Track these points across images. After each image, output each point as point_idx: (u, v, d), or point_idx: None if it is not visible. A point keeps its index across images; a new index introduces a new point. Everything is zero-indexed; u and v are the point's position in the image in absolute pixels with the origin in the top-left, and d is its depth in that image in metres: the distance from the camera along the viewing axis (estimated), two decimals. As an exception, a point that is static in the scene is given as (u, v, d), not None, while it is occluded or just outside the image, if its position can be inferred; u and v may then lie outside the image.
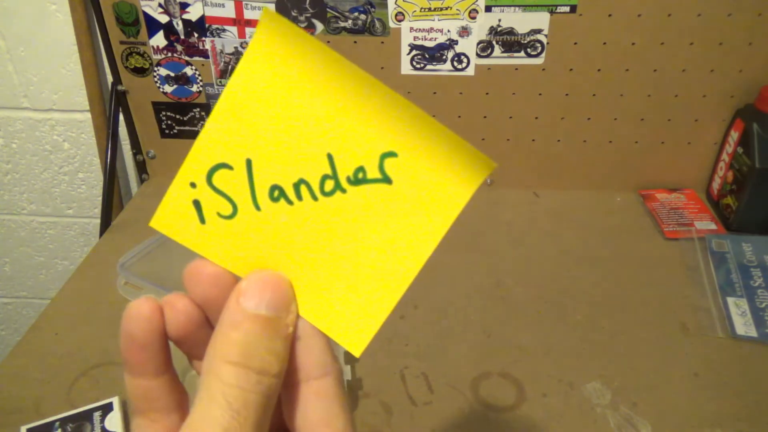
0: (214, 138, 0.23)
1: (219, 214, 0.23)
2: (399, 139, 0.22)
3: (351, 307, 0.24)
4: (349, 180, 0.23)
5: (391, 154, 0.22)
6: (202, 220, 0.23)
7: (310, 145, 0.22)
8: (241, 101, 0.22)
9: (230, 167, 0.23)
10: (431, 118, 0.22)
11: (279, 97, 0.22)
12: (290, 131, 0.22)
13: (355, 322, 0.24)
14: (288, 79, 0.22)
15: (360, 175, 0.23)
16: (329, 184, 0.23)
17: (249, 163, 0.23)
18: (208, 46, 0.89)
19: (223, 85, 0.92)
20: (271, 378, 0.21)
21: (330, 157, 0.22)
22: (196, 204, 0.23)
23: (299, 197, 0.23)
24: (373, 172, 0.23)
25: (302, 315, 0.23)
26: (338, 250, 0.23)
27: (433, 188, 0.23)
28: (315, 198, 0.23)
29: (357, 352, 0.24)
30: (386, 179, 0.23)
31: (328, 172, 0.23)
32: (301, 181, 0.23)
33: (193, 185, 0.23)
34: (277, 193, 0.23)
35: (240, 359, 0.20)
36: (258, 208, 0.23)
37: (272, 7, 0.84)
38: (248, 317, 0.21)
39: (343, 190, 0.23)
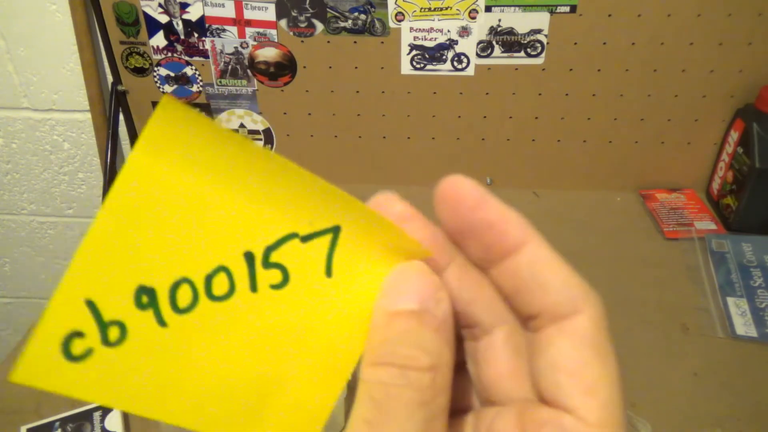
0: (104, 246, 0.18)
1: (105, 343, 0.19)
2: (335, 221, 0.20)
3: (280, 422, 0.21)
4: (271, 285, 0.20)
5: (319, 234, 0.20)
6: (75, 358, 0.18)
7: (224, 244, 0.19)
8: (133, 199, 0.18)
9: (125, 285, 0.19)
10: (352, 198, 0.20)
11: (178, 195, 0.19)
12: (199, 232, 0.19)
13: None
14: (191, 174, 0.18)
15: (284, 273, 0.20)
16: (249, 284, 0.20)
17: (147, 273, 0.19)
18: (208, 46, 0.89)
19: (224, 86, 0.92)
20: (419, 372, 0.19)
21: (249, 255, 0.20)
22: (71, 336, 0.18)
23: (217, 301, 0.20)
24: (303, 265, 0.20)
25: None
26: (267, 355, 0.20)
27: (366, 281, 0.21)
28: (229, 300, 0.20)
29: None
30: (328, 272, 0.20)
31: (245, 271, 0.20)
32: (213, 285, 0.20)
33: (68, 319, 0.18)
34: (186, 302, 0.19)
35: (380, 359, 0.19)
36: (163, 324, 0.19)
37: (273, 7, 0.84)
38: (386, 316, 0.20)
39: (273, 286, 0.20)
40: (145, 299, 0.19)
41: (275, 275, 0.20)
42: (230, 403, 0.20)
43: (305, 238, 0.20)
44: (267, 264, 0.20)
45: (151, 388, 0.19)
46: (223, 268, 0.19)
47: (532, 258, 0.20)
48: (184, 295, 0.19)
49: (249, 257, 0.20)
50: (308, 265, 0.20)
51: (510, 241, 0.20)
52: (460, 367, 0.23)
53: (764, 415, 0.59)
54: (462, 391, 0.22)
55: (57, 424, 0.59)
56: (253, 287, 0.20)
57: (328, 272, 0.20)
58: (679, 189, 0.96)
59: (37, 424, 0.59)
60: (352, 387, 0.58)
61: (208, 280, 0.19)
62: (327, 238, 0.20)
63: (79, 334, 0.18)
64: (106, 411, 0.60)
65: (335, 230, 0.20)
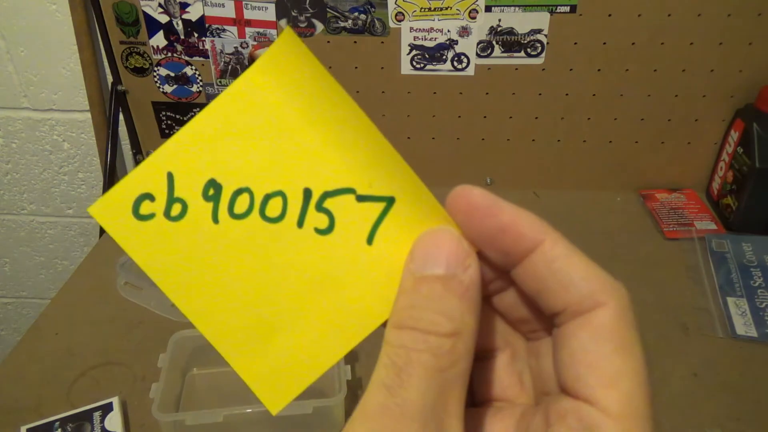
0: (198, 137, 0.21)
1: (166, 214, 0.21)
2: (393, 191, 0.21)
3: (283, 358, 0.22)
4: (319, 227, 0.21)
5: (376, 199, 0.21)
6: (139, 215, 0.21)
7: (290, 174, 0.21)
8: (235, 109, 0.21)
9: (201, 173, 0.21)
10: (417, 179, 0.21)
11: (273, 118, 0.21)
12: (274, 155, 0.21)
13: (281, 377, 0.22)
14: (289, 102, 0.21)
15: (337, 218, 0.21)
16: (298, 217, 0.21)
17: (221, 172, 0.21)
18: (208, 46, 0.89)
19: (224, 86, 0.92)
20: (441, 338, 0.19)
21: (307, 192, 0.21)
22: (144, 196, 0.21)
23: (265, 220, 0.21)
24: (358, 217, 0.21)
25: (223, 352, 0.21)
26: (291, 290, 0.21)
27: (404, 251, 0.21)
28: (276, 225, 0.21)
29: (274, 411, 0.21)
30: (371, 238, 0.21)
31: (299, 205, 0.21)
32: (268, 205, 0.21)
33: (169, 175, 0.21)
34: (241, 210, 0.21)
35: (403, 322, 0.19)
36: (216, 220, 0.21)
37: (273, 7, 0.84)
38: (413, 281, 0.20)
39: (318, 230, 0.21)
40: (211, 191, 0.21)
41: (322, 220, 0.21)
42: (241, 321, 0.22)
43: (361, 198, 0.21)
44: (319, 207, 0.21)
45: (182, 272, 0.22)
46: (281, 194, 0.21)
47: (548, 256, 0.20)
48: (241, 203, 0.21)
49: (307, 194, 0.21)
50: (354, 225, 0.21)
51: (526, 242, 0.20)
52: (516, 360, 0.23)
53: (764, 415, 0.59)
54: (518, 385, 0.23)
55: (57, 424, 0.59)
56: (300, 223, 0.21)
57: (370, 240, 0.21)
58: (679, 189, 0.96)
59: (37, 424, 0.59)
60: (352, 386, 0.58)
61: (266, 198, 0.21)
62: (380, 206, 0.21)
63: (150, 198, 0.21)
64: (106, 411, 0.60)
65: (390, 201, 0.21)
